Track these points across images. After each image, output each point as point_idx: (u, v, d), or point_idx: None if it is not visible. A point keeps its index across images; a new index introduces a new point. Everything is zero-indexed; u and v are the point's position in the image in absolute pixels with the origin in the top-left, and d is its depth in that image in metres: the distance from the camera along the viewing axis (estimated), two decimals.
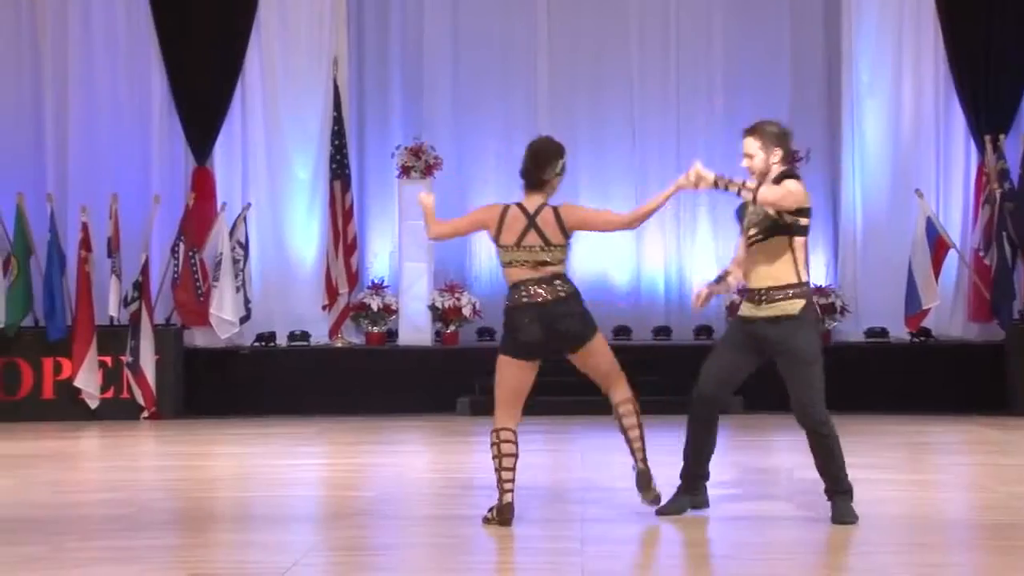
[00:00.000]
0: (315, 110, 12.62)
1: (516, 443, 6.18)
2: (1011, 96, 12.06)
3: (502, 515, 6.08)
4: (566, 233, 6.12)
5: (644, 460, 6.25)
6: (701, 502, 6.30)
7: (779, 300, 6.00)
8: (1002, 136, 11.81)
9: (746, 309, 6.10)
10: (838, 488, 6.07)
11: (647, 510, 6.23)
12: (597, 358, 6.20)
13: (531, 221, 6.11)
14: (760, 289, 6.03)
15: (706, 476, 6.32)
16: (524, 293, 6.12)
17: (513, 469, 6.13)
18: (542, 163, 6.20)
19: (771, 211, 5.96)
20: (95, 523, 6.34)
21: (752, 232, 6.04)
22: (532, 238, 6.11)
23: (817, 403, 5.99)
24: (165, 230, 12.09)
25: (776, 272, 6.01)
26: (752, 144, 6.04)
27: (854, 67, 12.42)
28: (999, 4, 12.06)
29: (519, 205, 6.19)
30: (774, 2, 13.35)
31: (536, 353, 6.16)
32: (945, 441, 9.83)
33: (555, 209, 6.14)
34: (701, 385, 6.22)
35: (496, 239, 6.21)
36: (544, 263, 6.09)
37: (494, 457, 6.18)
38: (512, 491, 6.11)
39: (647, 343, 12.69)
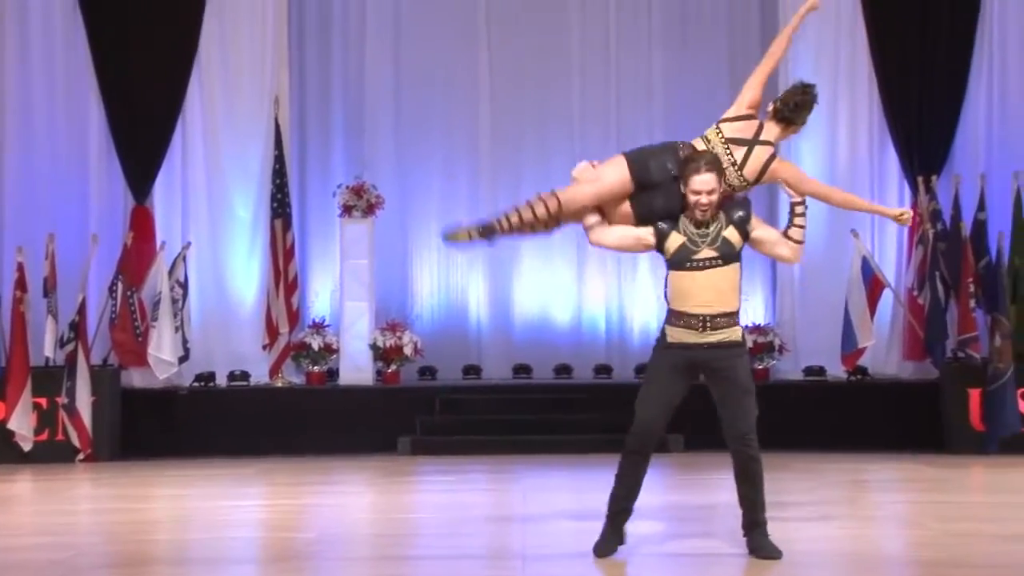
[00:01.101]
0: (256, 149, 12.62)
1: None
2: (942, 139, 12.30)
3: None
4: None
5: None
6: (622, 538, 6.26)
7: (723, 327, 6.10)
8: (934, 177, 12.03)
9: (685, 336, 6.11)
10: (759, 519, 6.15)
11: (588, 548, 6.22)
12: None
13: None
14: (703, 316, 6.08)
15: (631, 511, 6.29)
16: None
17: None
18: None
19: (736, 238, 6.10)
20: (32, 568, 6.26)
21: (710, 255, 6.09)
22: None
23: (753, 430, 6.10)
24: (103, 270, 12.00)
25: (725, 299, 6.11)
26: (712, 180, 6.08)
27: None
28: (930, 50, 12.32)
29: None
30: (712, 44, 13.56)
31: None
32: (882, 478, 9.94)
33: None
34: (646, 419, 6.14)
35: None
36: None
37: None
38: None
39: (588, 381, 12.76)
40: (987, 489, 9.25)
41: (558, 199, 6.24)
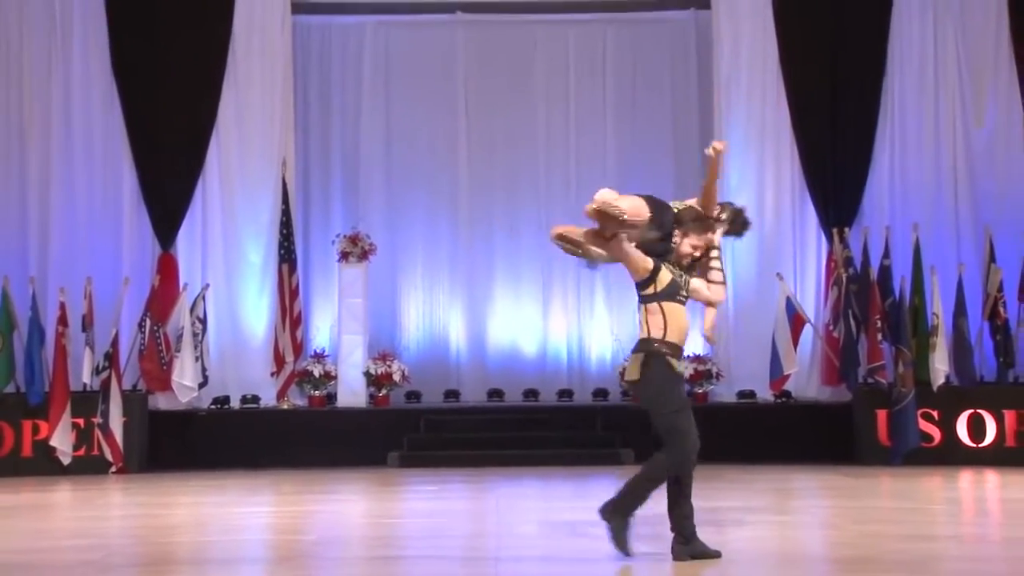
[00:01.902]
0: (266, 204, 12.61)
1: None
2: (853, 197, 12.40)
3: None
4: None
5: None
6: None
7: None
8: (847, 229, 12.13)
9: (680, 368, 6.07)
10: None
11: (556, 549, 6.19)
12: None
13: None
14: (682, 347, 6.09)
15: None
16: None
17: None
18: None
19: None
20: (68, 566, 6.20)
21: (685, 295, 6.09)
22: None
23: None
24: (133, 308, 11.94)
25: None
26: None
27: (725, 171, 12.65)
28: (841, 122, 12.45)
29: None
30: (657, 114, 13.66)
31: None
32: (804, 486, 9.94)
33: None
34: (696, 441, 5.96)
35: None
36: None
37: None
38: None
39: (553, 404, 12.75)
40: (893, 495, 9.28)
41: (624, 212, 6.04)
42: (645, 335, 6.05)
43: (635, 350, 6.11)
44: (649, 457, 6.07)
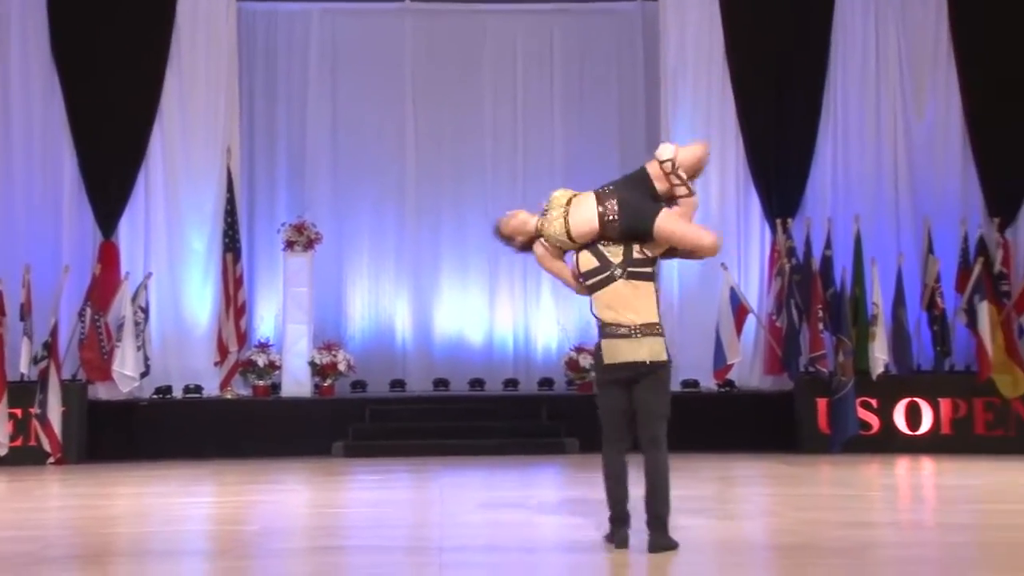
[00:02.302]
0: (210, 191, 12.46)
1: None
2: (796, 188, 12.51)
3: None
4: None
5: None
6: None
7: None
8: (790, 220, 12.25)
9: None
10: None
11: (500, 538, 6.19)
12: None
13: None
14: None
15: None
16: None
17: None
18: None
19: None
20: (4, 558, 6.08)
21: None
22: None
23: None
24: (74, 297, 11.75)
25: None
26: None
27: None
28: (786, 114, 12.54)
29: None
30: (604, 105, 13.68)
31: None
32: (746, 475, 10.00)
33: None
34: None
35: None
36: None
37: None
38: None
39: (498, 393, 12.74)
40: (832, 483, 9.38)
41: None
42: (655, 317, 6.04)
43: (653, 333, 6.06)
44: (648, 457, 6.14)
